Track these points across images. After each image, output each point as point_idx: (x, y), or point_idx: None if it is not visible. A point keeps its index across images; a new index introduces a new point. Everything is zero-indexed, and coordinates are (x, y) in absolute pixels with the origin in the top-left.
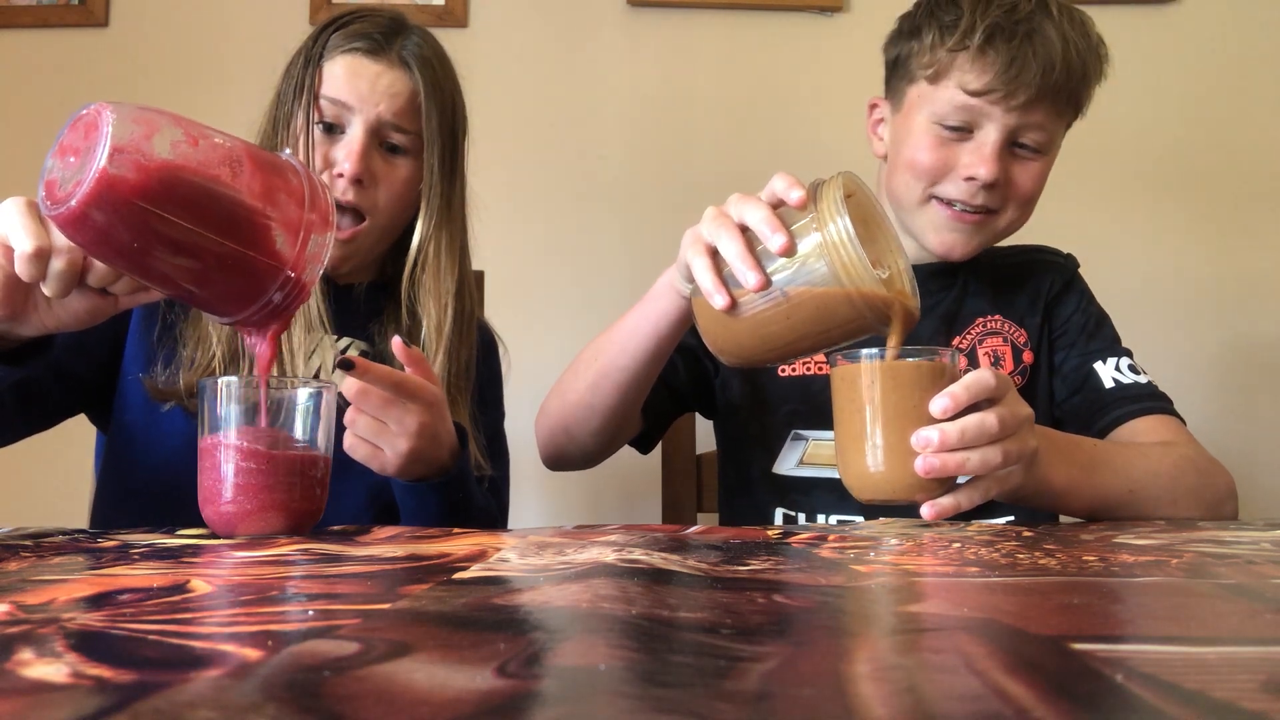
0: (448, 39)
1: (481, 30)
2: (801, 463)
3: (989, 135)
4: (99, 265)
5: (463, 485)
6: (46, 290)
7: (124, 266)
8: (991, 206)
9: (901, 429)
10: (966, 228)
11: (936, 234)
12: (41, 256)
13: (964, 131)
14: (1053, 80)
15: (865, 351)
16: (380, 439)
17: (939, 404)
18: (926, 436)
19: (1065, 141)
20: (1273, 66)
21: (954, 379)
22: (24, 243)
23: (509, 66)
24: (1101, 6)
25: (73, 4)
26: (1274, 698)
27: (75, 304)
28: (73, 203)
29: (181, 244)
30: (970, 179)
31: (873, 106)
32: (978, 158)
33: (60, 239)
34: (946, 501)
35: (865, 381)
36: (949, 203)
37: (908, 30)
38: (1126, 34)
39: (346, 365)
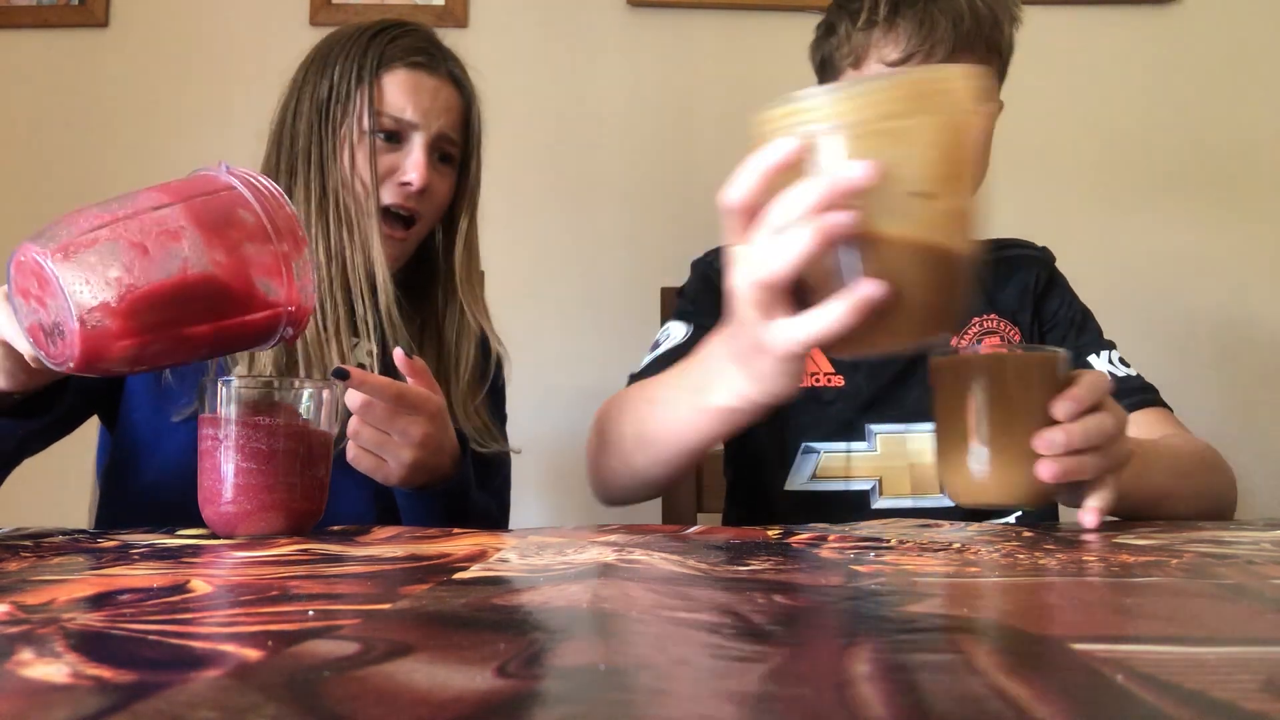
0: (448, 39)
1: (481, 30)
2: (814, 477)
3: None
4: None
5: (464, 492)
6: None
7: (138, 367)
8: None
9: (1021, 429)
10: None
11: None
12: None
13: None
14: (965, 30)
15: (976, 346)
16: (384, 450)
17: (1065, 407)
18: (1051, 439)
19: (1065, 140)
20: (1273, 66)
21: (1065, 379)
22: (27, 348)
23: (509, 66)
24: (1101, 6)
25: (73, 4)
26: (1274, 698)
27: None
28: (71, 365)
29: (181, 342)
30: None
31: None
32: None
33: None
34: (1100, 504)
35: (985, 376)
36: None
37: (824, 30)
38: (1127, 34)
39: (341, 374)
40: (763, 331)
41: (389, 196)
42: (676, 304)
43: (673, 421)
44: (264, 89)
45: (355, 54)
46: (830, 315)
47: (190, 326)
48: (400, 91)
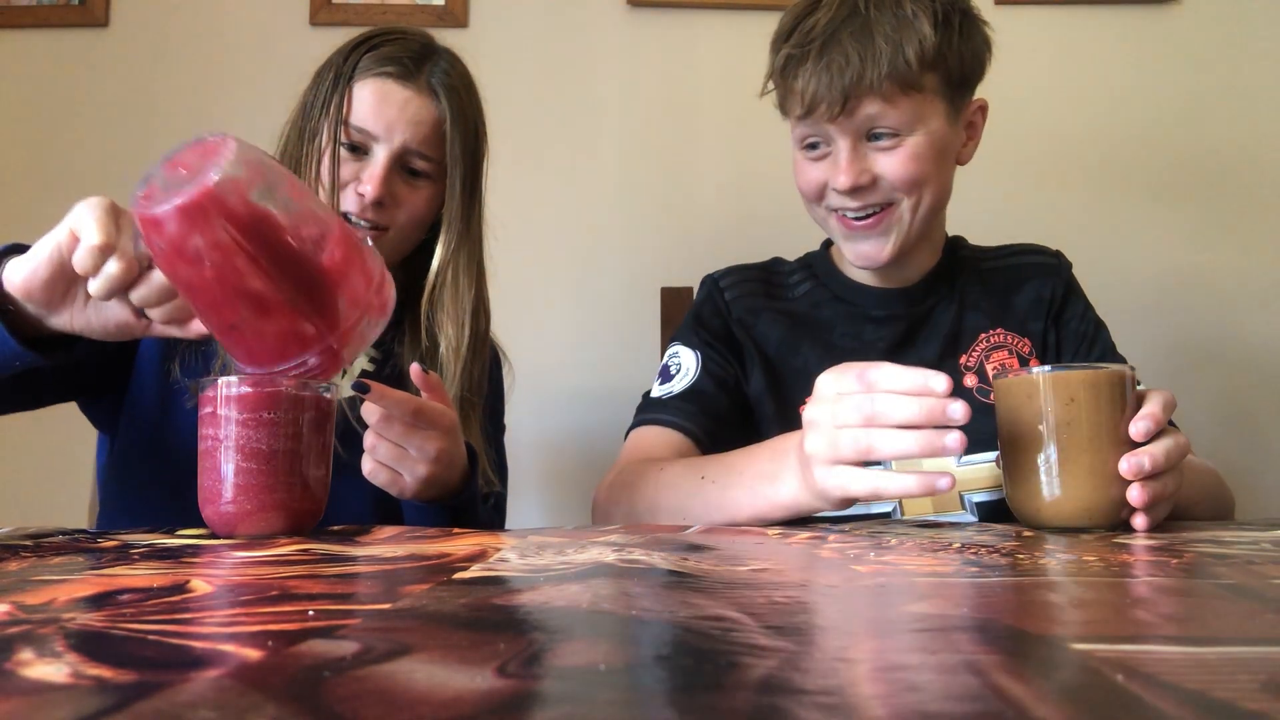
0: (448, 39)
1: (481, 30)
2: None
3: (838, 147)
4: (147, 284)
5: (470, 506)
6: (92, 288)
7: (185, 284)
8: (875, 204)
9: (1096, 449)
10: (869, 233)
11: (848, 247)
12: (104, 252)
13: (826, 147)
14: (863, 77)
15: (1044, 369)
16: (400, 465)
17: (1142, 426)
18: (1138, 463)
19: (1063, 141)
20: (1273, 67)
21: (1135, 396)
22: (93, 235)
23: (509, 66)
24: (1101, 7)
25: (73, 4)
26: (1274, 698)
27: (109, 313)
28: (167, 206)
29: (248, 281)
30: (839, 190)
31: None
32: (835, 170)
33: (125, 243)
34: (1157, 517)
35: (1058, 397)
36: (841, 212)
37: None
38: (1126, 34)
39: (362, 389)
40: (826, 475)
41: (348, 205)
42: (686, 320)
43: (731, 504)
44: (264, 89)
45: (337, 61)
46: (897, 484)
47: (269, 268)
48: (367, 102)
